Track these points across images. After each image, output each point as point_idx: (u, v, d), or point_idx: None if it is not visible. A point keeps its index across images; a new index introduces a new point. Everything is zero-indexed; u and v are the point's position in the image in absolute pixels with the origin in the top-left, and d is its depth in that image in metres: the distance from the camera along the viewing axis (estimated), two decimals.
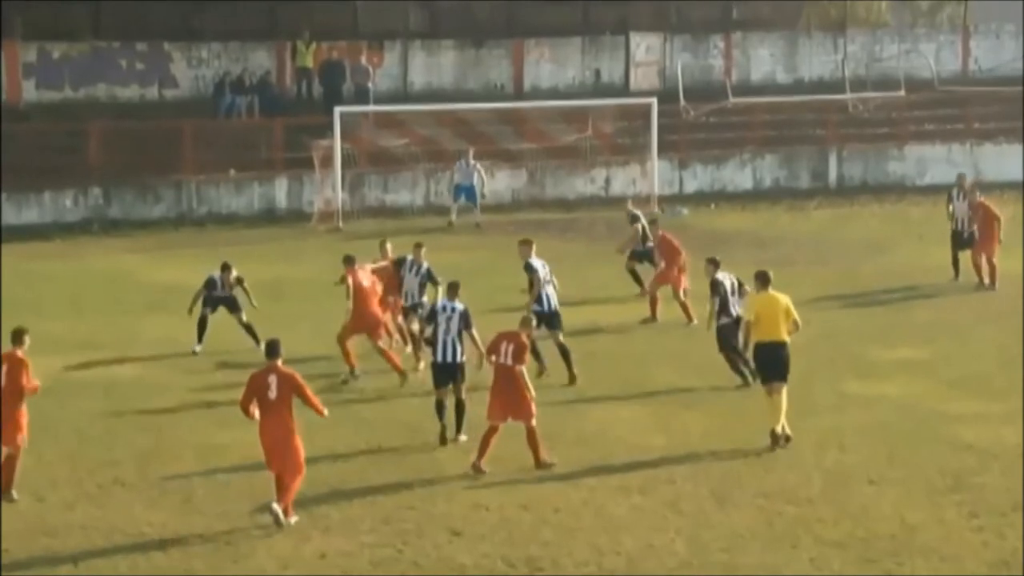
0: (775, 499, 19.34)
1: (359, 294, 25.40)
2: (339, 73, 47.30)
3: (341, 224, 42.34)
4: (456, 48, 50.97)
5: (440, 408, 21.92)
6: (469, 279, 32.11)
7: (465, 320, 22.01)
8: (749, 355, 22.98)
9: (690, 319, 29.05)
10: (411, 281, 26.34)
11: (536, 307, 25.21)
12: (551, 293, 25.62)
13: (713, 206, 46.41)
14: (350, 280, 25.56)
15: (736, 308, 24.81)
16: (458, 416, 21.99)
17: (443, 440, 21.80)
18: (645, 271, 31.58)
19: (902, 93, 49.54)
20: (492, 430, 20.62)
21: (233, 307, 27.57)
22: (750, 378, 24.13)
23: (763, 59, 54.09)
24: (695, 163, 49.02)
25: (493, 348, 20.92)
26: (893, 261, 36.49)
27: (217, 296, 27.48)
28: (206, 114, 46.32)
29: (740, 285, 25.01)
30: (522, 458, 20.92)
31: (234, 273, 27.68)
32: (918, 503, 19.19)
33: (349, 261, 25.81)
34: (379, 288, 25.94)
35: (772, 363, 21.64)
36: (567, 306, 26.93)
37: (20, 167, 42.00)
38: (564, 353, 25.24)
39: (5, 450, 19.40)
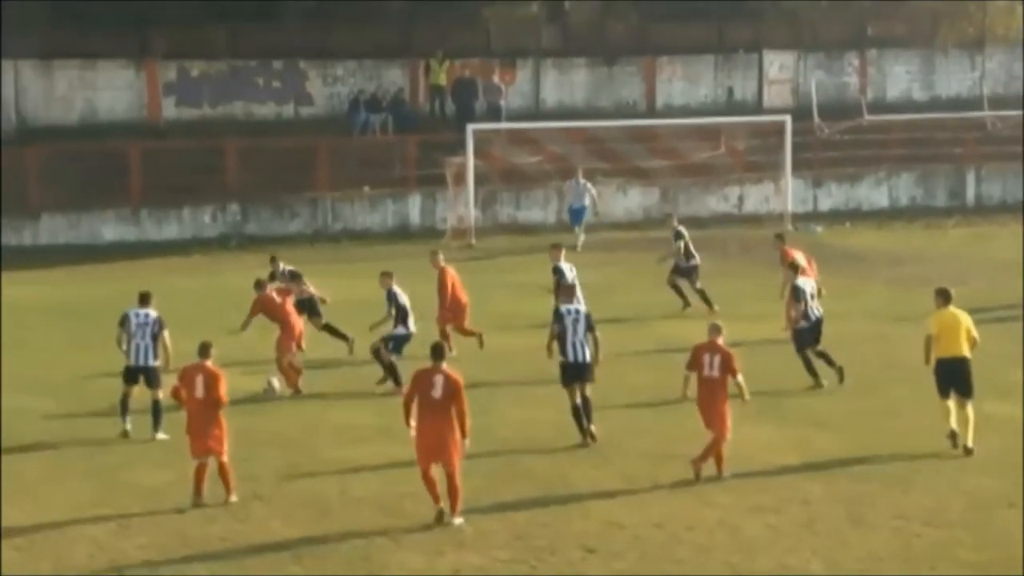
0: (912, 521, 19.12)
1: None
2: (472, 91, 47.56)
3: (474, 241, 42.54)
4: (588, 66, 51.08)
5: (576, 411, 22.49)
6: (601, 297, 32.35)
7: (588, 322, 22.66)
8: (931, 370, 22.72)
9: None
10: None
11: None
12: (579, 294, 26.36)
13: (848, 224, 46.05)
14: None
15: (815, 312, 25.67)
16: (587, 410, 22.58)
17: (586, 440, 22.39)
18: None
19: None
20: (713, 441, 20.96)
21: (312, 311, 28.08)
22: (825, 380, 25.45)
23: (899, 76, 53.67)
24: (829, 181, 48.71)
25: (696, 361, 21.01)
26: None
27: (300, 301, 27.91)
28: (341, 131, 46.81)
29: (819, 291, 26.23)
30: (655, 476, 20.91)
31: (281, 265, 28.33)
32: None
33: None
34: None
35: (955, 378, 22.03)
36: (697, 320, 26.76)
37: (160, 184, 42.74)
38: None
39: (217, 459, 19.83)
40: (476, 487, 20.37)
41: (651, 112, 50.86)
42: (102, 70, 46.81)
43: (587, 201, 42.92)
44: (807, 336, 25.83)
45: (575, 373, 22.65)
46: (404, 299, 26.23)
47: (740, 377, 21.08)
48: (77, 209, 42.97)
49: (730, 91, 52.33)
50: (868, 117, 48.77)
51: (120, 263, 39.62)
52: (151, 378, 23.22)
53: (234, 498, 19.91)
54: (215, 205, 44.04)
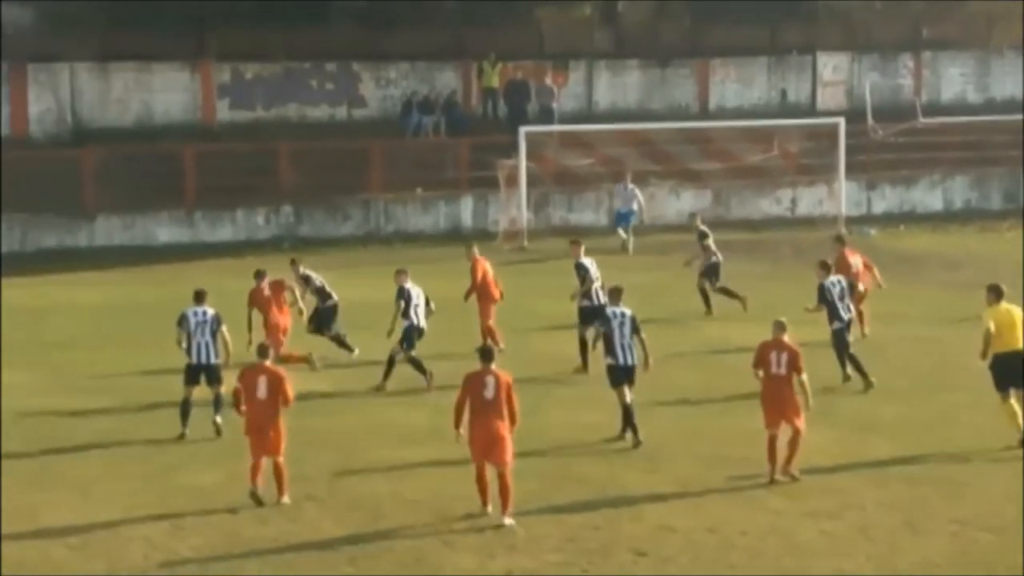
0: (969, 526, 18.99)
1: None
2: (524, 93, 47.57)
3: (526, 243, 42.54)
4: (641, 68, 51.00)
5: (627, 411, 22.66)
6: (652, 299, 32.30)
7: (634, 324, 22.84)
8: (986, 365, 22.67)
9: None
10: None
11: (585, 302, 27.19)
12: (600, 290, 27.04)
13: (902, 227, 45.83)
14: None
15: (846, 312, 25.85)
16: (627, 418, 22.74)
17: (637, 439, 22.51)
18: None
19: None
20: (772, 439, 20.82)
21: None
22: (857, 375, 25.65)
23: (953, 78, 53.37)
24: (883, 184, 48.49)
25: (762, 359, 21.01)
26: None
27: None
28: (393, 134, 46.90)
29: (851, 287, 26.30)
30: (707, 479, 20.86)
31: (301, 269, 28.66)
32: None
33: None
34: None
35: (1012, 372, 22.09)
36: (749, 323, 26.66)
37: (214, 186, 42.94)
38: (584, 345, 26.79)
39: (273, 459, 19.93)
40: (528, 490, 20.36)
41: (704, 114, 50.74)
42: (157, 72, 47.04)
43: (635, 205, 42.82)
44: (844, 336, 25.97)
45: (623, 375, 22.79)
46: (416, 295, 26.55)
47: (805, 376, 20.97)
48: (132, 211, 43.20)
49: (783, 93, 52.15)
50: (923, 119, 48.49)
51: (174, 265, 39.81)
52: (213, 376, 23.38)
53: (286, 499, 19.97)
54: (268, 207, 44.21)
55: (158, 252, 41.94)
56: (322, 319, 28.59)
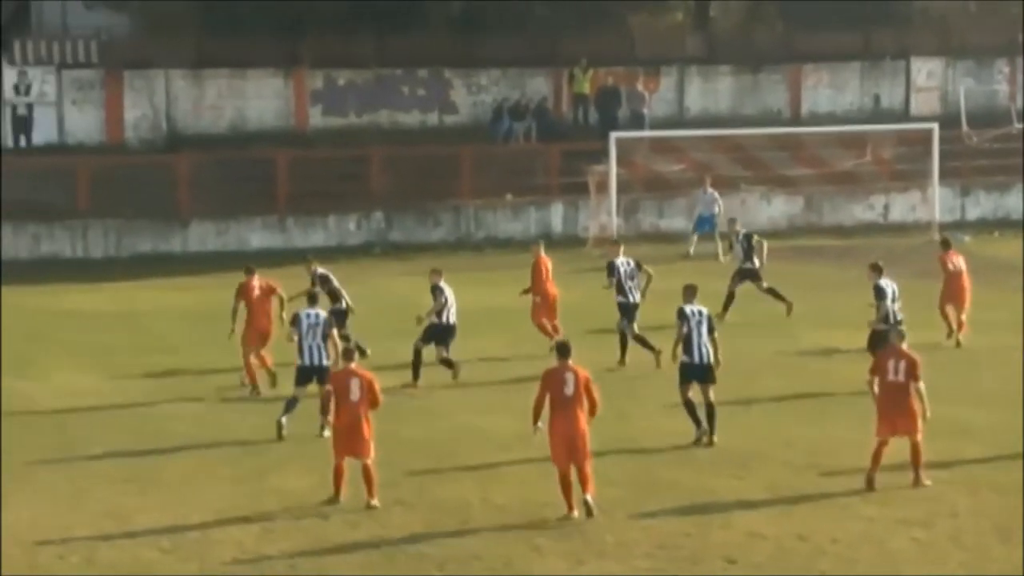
0: None
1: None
2: (615, 99, 47.54)
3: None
4: (733, 74, 50.83)
5: (689, 405, 22.83)
6: (743, 304, 32.18)
7: (710, 323, 23.08)
8: None
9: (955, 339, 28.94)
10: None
11: (620, 298, 28.44)
12: (634, 287, 28.47)
13: (996, 234, 45.36)
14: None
15: (896, 315, 26.12)
16: (710, 419, 22.74)
17: (699, 440, 22.68)
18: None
19: None
20: (881, 445, 20.74)
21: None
22: None
23: None
24: (978, 190, 48.03)
25: (880, 366, 20.91)
26: None
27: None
28: (484, 140, 47.01)
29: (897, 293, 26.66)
30: (798, 486, 20.74)
31: (319, 269, 28.83)
32: None
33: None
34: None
35: None
36: (846, 330, 26.66)
37: (306, 191, 43.23)
38: (641, 340, 28.03)
39: (362, 462, 20.05)
40: (618, 496, 20.33)
41: (796, 120, 50.46)
42: (251, 79, 47.44)
43: (716, 209, 42.62)
44: (883, 337, 25.56)
45: (696, 374, 22.93)
46: (448, 294, 27.09)
47: (922, 384, 20.75)
48: (225, 216, 43.57)
49: (876, 99, 51.78)
50: (1018, 125, 48.00)
51: (267, 270, 39.94)
52: (323, 377, 23.50)
53: (376, 502, 20.03)
54: (360, 213, 44.44)
55: (251, 257, 42.01)
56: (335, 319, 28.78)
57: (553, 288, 29.87)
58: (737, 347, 28.66)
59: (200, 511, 20.01)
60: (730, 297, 32.53)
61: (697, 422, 22.88)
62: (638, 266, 28.91)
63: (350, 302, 28.75)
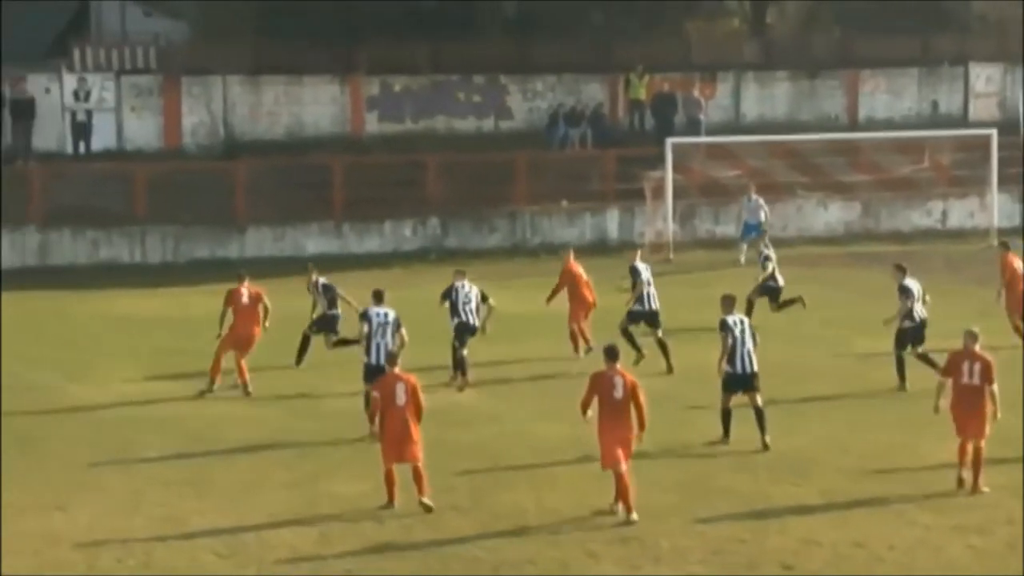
0: None
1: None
2: (671, 105, 47.48)
3: (672, 255, 42.41)
4: (790, 79, 50.68)
5: (727, 414, 23.10)
6: (799, 312, 32.04)
7: (752, 332, 23.23)
8: None
9: None
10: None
11: (637, 306, 28.59)
12: (653, 293, 28.75)
13: None
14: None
15: (920, 313, 26.55)
16: (760, 422, 22.88)
17: (726, 439, 23.07)
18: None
19: None
20: (964, 443, 20.77)
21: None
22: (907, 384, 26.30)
23: None
24: None
25: (954, 368, 20.87)
26: None
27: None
28: (540, 146, 47.01)
29: (924, 296, 26.92)
30: (853, 492, 20.65)
31: (315, 277, 29.34)
32: None
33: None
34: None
35: None
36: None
37: (362, 197, 43.35)
38: (663, 347, 28.26)
39: (412, 465, 20.11)
40: (672, 503, 20.30)
41: (853, 126, 50.26)
42: (308, 85, 47.62)
43: (761, 216, 42.33)
44: (909, 336, 26.48)
45: (740, 383, 23.05)
46: (467, 292, 27.64)
47: (995, 387, 20.68)
48: (282, 222, 43.73)
49: (935, 104, 51.50)
50: None
51: (323, 275, 40.14)
52: None
53: (428, 500, 20.05)
54: (415, 219, 44.52)
55: (307, 263, 42.28)
56: (326, 323, 29.15)
57: (591, 294, 29.74)
58: (791, 353, 28.65)
59: (256, 515, 20.10)
60: (749, 305, 32.39)
61: (727, 433, 23.15)
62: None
63: (353, 303, 28.88)
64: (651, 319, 28.75)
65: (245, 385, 27.05)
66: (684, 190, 44.35)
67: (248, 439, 24.02)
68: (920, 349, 26.58)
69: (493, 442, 23.79)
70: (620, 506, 19.60)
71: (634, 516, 19.49)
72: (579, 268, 29.93)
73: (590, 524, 19.46)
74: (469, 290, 27.70)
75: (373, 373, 23.64)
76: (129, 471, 22.32)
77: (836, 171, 46.23)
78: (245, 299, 27.71)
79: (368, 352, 23.86)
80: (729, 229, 45.38)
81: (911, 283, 26.94)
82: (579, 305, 29.51)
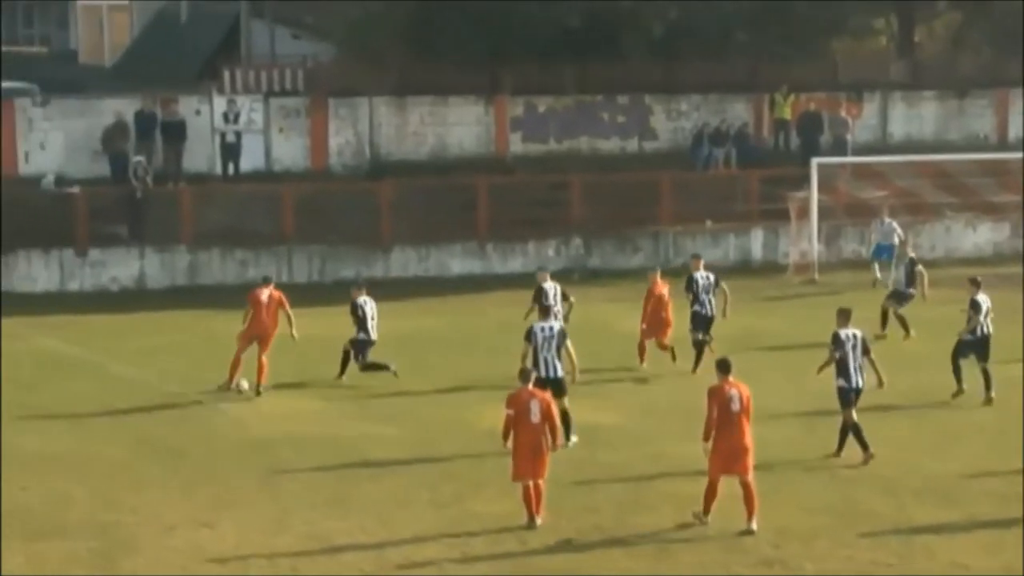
0: None
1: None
2: (817, 125, 47.12)
3: (817, 276, 42.08)
4: (938, 99, 50.10)
5: (856, 428, 23.37)
6: (945, 333, 31.61)
7: (865, 345, 23.69)
8: None
9: None
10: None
11: (698, 308, 30.16)
12: (711, 300, 30.23)
13: None
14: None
15: (986, 328, 27.26)
16: (858, 436, 23.45)
17: (866, 462, 23.17)
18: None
19: None
20: None
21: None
22: (965, 386, 27.21)
23: None
24: None
25: None
26: None
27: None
28: (684, 166, 46.89)
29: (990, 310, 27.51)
30: (1002, 516, 20.34)
31: (362, 298, 30.05)
32: None
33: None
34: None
35: None
36: None
37: (506, 218, 43.52)
38: (699, 348, 29.82)
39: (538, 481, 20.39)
40: (817, 524, 20.16)
41: (1002, 145, 49.53)
42: (453, 106, 47.91)
43: (895, 240, 41.51)
44: (968, 347, 27.24)
45: (855, 397, 23.52)
46: (706, 282, 29.89)
47: None
48: (427, 242, 44.03)
49: None
50: None
51: (466, 295, 40.41)
52: (558, 389, 23.67)
53: (541, 520, 20.27)
54: (559, 239, 44.59)
55: (451, 283, 42.63)
56: (355, 348, 29.78)
57: (669, 315, 30.34)
58: (939, 376, 28.22)
59: (400, 534, 20.26)
60: (884, 314, 33.25)
61: (864, 445, 23.31)
62: (716, 282, 30.39)
63: (373, 337, 29.79)
64: (708, 325, 30.25)
65: (259, 385, 28.22)
66: (830, 210, 43.95)
67: (392, 458, 24.21)
68: (983, 365, 27.16)
69: (637, 463, 23.75)
70: (704, 515, 20.17)
71: (753, 525, 19.88)
72: (663, 289, 30.60)
73: (734, 546, 19.37)
74: (555, 290, 30.02)
75: (542, 386, 23.54)
76: (274, 488, 22.60)
77: (985, 191, 45.57)
78: (264, 298, 29.12)
79: (536, 366, 23.84)
80: None
81: (982, 298, 27.55)
82: (657, 324, 30.23)
